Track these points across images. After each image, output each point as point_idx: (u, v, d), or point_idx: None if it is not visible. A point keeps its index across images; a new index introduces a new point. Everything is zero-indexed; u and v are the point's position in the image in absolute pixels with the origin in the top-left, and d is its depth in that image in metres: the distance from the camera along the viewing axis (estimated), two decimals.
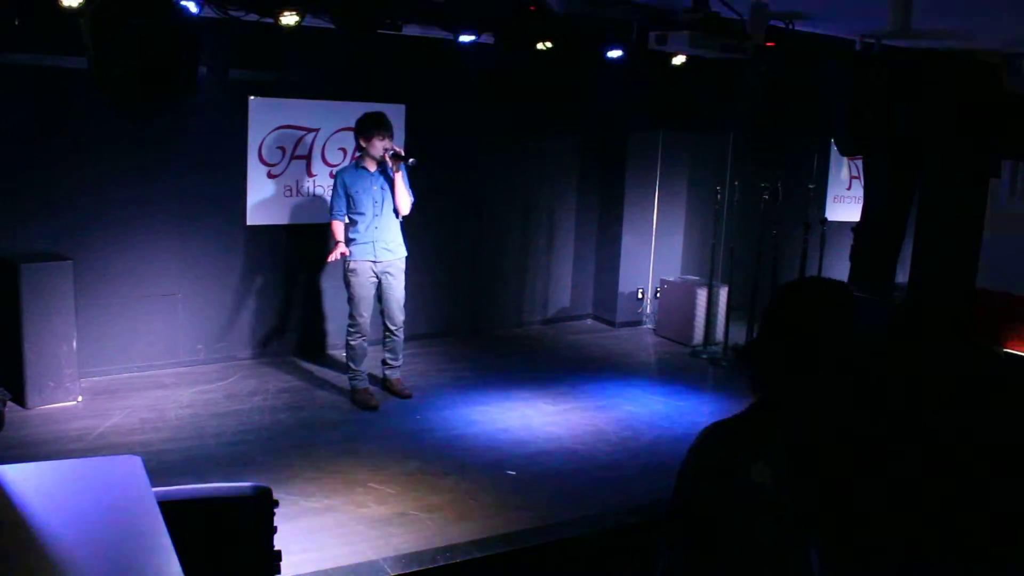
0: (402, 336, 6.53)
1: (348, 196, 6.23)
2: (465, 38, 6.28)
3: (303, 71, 7.02)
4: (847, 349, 1.99)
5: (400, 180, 6.19)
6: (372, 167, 6.22)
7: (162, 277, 6.91)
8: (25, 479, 2.80)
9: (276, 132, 7.18)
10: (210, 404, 6.33)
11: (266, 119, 7.12)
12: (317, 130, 7.34)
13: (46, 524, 2.52)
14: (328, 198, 7.40)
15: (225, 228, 7.12)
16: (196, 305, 7.08)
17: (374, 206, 6.23)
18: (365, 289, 6.30)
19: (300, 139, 7.29)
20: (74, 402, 6.16)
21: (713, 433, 2.07)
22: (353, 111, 7.30)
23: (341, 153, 7.46)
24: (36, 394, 6.04)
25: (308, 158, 7.36)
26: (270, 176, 7.23)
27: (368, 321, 6.36)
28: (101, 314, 6.65)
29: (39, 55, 6.06)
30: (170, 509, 2.70)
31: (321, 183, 7.43)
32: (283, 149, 7.24)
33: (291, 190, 7.32)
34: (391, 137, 6.18)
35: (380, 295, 6.39)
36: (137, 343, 6.86)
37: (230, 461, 5.36)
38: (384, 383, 6.65)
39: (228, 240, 7.15)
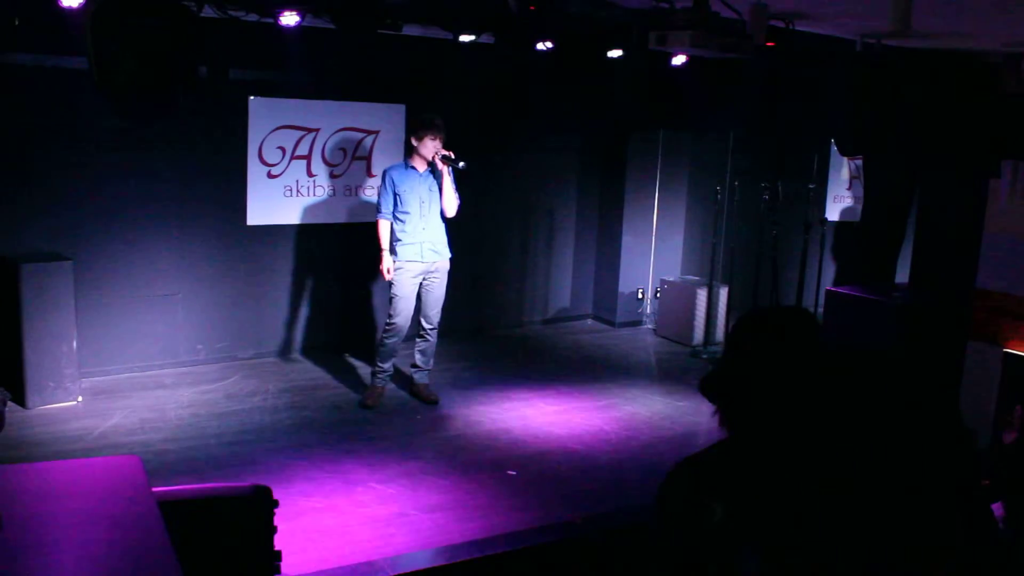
0: (435, 338, 6.45)
1: (395, 194, 6.18)
2: (465, 38, 6.28)
3: (303, 71, 7.02)
4: (808, 380, 1.95)
5: (448, 182, 6.18)
6: (421, 167, 6.18)
7: (162, 277, 6.91)
8: (25, 479, 2.80)
9: (276, 132, 7.18)
10: (210, 404, 6.33)
11: (266, 119, 7.12)
12: (317, 130, 7.34)
13: (46, 524, 2.53)
14: (327, 198, 7.46)
15: (225, 228, 7.12)
16: (196, 305, 7.08)
17: (421, 206, 6.18)
18: (408, 288, 6.24)
19: (300, 139, 7.29)
20: (74, 402, 6.16)
21: (679, 471, 2.02)
22: (353, 111, 7.32)
23: (341, 153, 7.46)
24: (36, 394, 6.04)
25: (308, 158, 7.36)
26: (270, 176, 7.22)
27: (406, 322, 6.30)
28: (101, 314, 6.65)
29: (39, 55, 6.06)
30: (170, 509, 2.70)
31: (321, 183, 7.43)
32: (283, 149, 7.24)
33: (291, 190, 7.32)
34: (443, 139, 6.12)
35: (419, 294, 6.32)
36: (137, 343, 6.86)
37: (230, 461, 5.36)
38: (411, 387, 6.59)
39: (228, 240, 7.15)
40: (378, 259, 6.29)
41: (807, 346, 1.99)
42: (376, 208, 6.37)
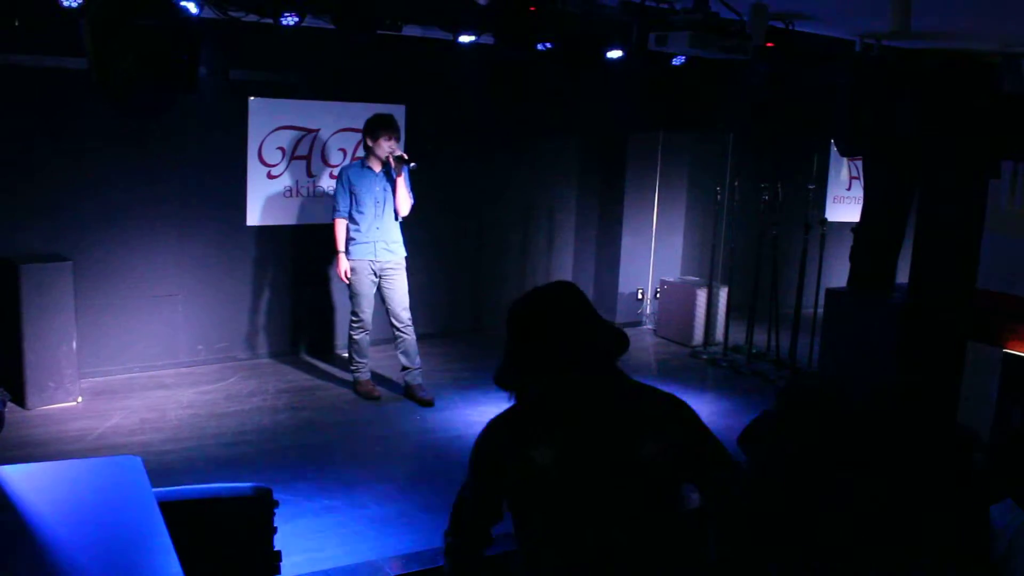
0: (413, 335, 6.48)
1: (352, 194, 6.29)
2: (465, 38, 6.28)
3: (303, 71, 7.02)
4: (584, 343, 2.17)
5: (401, 182, 6.24)
6: (377, 167, 6.28)
7: (162, 277, 6.91)
8: (25, 479, 2.80)
9: (276, 132, 7.18)
10: (210, 404, 6.33)
11: (266, 119, 7.12)
12: (317, 130, 7.35)
13: (46, 524, 2.52)
14: (327, 199, 7.44)
15: (225, 228, 7.12)
16: (196, 305, 7.08)
17: (376, 206, 6.29)
18: (365, 287, 6.37)
19: (300, 139, 7.29)
20: (74, 402, 6.16)
21: (498, 421, 2.24)
22: (353, 111, 7.32)
23: (341, 153, 7.46)
24: (36, 394, 6.04)
25: (308, 158, 7.36)
26: (270, 177, 7.23)
27: (370, 316, 6.45)
28: (101, 314, 6.64)
29: (39, 55, 6.06)
30: (170, 509, 2.70)
31: (321, 183, 7.43)
32: (283, 149, 7.25)
33: (291, 190, 7.33)
34: (398, 139, 6.24)
35: (382, 295, 6.43)
36: (137, 343, 6.86)
37: (230, 461, 5.37)
38: (406, 390, 6.59)
39: (228, 240, 7.15)
40: (334, 261, 6.45)
41: (576, 312, 2.21)
42: (333, 208, 6.46)
